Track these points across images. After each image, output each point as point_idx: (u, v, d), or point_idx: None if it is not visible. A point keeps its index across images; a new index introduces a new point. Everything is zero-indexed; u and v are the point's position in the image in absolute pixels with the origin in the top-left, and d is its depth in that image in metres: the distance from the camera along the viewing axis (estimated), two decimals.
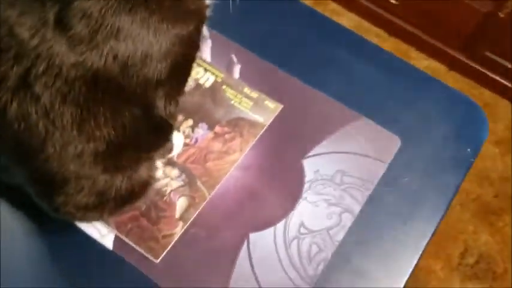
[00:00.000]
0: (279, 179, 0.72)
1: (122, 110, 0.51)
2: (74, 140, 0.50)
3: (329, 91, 0.79)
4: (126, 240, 0.66)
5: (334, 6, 1.67)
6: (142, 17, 0.47)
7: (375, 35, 1.62)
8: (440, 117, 0.79)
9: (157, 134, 0.59)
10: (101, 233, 0.67)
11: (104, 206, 0.59)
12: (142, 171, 0.60)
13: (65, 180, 0.53)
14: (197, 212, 0.69)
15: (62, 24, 0.45)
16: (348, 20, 1.64)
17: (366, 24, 1.64)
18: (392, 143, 0.76)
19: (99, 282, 0.64)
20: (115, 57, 0.46)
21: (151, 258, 0.65)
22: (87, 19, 0.45)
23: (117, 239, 0.66)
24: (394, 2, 1.55)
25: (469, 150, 0.76)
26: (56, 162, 0.51)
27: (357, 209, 0.71)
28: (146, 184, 0.62)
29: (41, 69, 0.45)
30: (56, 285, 0.63)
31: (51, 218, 0.62)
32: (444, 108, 0.79)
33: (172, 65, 0.51)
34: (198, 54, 0.80)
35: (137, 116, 0.53)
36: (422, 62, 1.58)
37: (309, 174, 0.73)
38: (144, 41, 0.47)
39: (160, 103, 0.54)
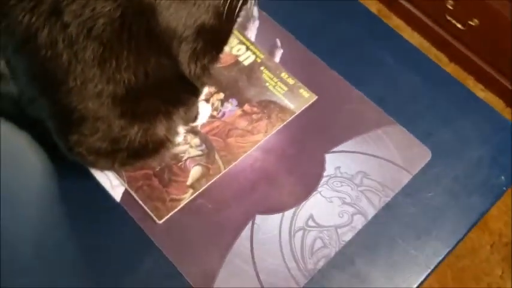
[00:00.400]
0: (297, 167, 0.71)
1: (148, 57, 0.51)
2: (94, 78, 0.50)
3: (368, 92, 0.77)
4: (135, 196, 0.66)
5: (397, 22, 1.63)
6: None
7: (435, 58, 1.57)
8: (478, 138, 0.75)
9: (182, 90, 0.59)
10: (112, 183, 0.67)
11: (115, 155, 0.59)
12: (160, 129, 0.60)
13: (82, 118, 0.54)
14: (209, 183, 0.68)
15: None
16: (409, 37, 1.59)
17: (426, 45, 1.60)
18: (423, 156, 0.73)
19: (99, 231, 0.64)
20: None
21: (154, 218, 0.65)
22: None
23: (126, 193, 0.67)
24: (461, 27, 1.50)
25: (503, 177, 0.72)
26: (76, 97, 0.52)
27: (371, 212, 0.68)
28: (161, 144, 0.62)
29: None
30: (57, 225, 0.64)
31: (67, 160, 0.63)
32: (485, 131, 0.75)
33: (198, 27, 0.51)
34: (245, 32, 0.80)
35: (164, 66, 0.53)
36: (479, 92, 1.52)
37: (329, 169, 0.71)
38: None
39: (183, 59, 0.53)
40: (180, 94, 0.59)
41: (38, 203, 0.66)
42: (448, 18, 1.51)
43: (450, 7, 1.48)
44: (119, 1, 0.46)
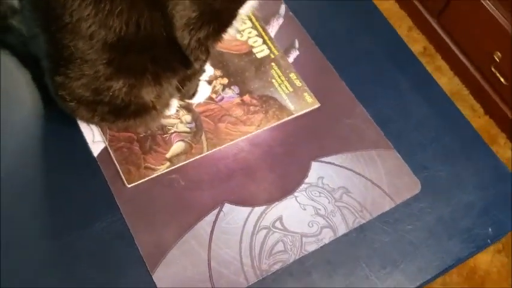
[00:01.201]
0: (280, 167, 0.69)
1: (141, 8, 0.51)
2: (88, 18, 0.51)
3: (373, 111, 0.75)
4: (112, 155, 0.66)
5: (441, 63, 1.59)
6: None
7: (470, 107, 1.53)
8: (475, 184, 0.71)
9: (173, 57, 0.59)
10: (94, 138, 0.68)
11: (96, 107, 0.60)
12: (146, 93, 0.60)
13: (70, 58, 0.54)
14: (188, 161, 0.67)
15: None
16: (448, 81, 1.56)
17: (465, 92, 1.55)
18: (411, 187, 0.70)
19: (68, 179, 0.64)
20: None
21: (125, 180, 0.65)
22: None
23: (104, 151, 0.67)
24: (504, 81, 1.45)
25: (490, 230, 0.68)
26: (69, 34, 0.52)
27: (342, 230, 0.66)
28: (145, 109, 0.62)
29: None
30: (30, 162, 0.65)
31: (56, 107, 0.64)
32: (484, 178, 0.72)
33: None
34: (267, 27, 0.79)
35: (157, 23, 0.53)
36: (507, 152, 1.46)
37: (311, 177, 0.69)
38: None
39: (178, 23, 0.53)
40: (171, 60, 0.59)
41: (18, 137, 0.66)
42: (493, 70, 1.46)
43: (497, 59, 1.44)
44: None
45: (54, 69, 0.57)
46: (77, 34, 0.52)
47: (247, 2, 0.57)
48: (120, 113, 0.61)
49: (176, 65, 0.60)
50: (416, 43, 1.63)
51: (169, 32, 0.54)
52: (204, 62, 0.63)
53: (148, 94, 0.61)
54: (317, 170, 0.69)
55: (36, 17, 0.56)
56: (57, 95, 0.59)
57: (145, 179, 0.65)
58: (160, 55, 0.57)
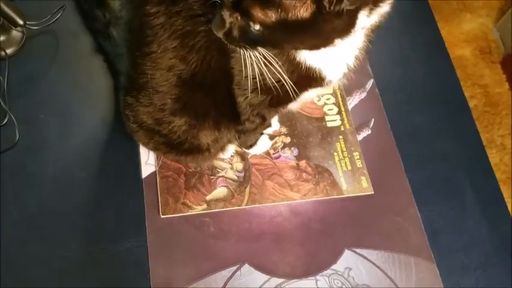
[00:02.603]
0: (312, 244, 0.68)
1: (213, 50, 0.53)
2: (172, 51, 0.53)
3: (427, 217, 0.71)
4: (158, 181, 0.69)
5: None
6: None
7: None
8: None
9: (230, 108, 0.59)
10: (148, 160, 0.70)
11: (153, 135, 0.62)
12: (204, 135, 0.62)
13: (145, 85, 0.57)
14: (224, 209, 0.68)
15: None
16: None
17: None
18: None
19: (111, 192, 0.67)
20: None
21: (160, 210, 0.67)
22: None
23: (152, 175, 0.69)
24: None
25: None
26: (151, 63, 0.55)
27: None
28: (199, 150, 0.64)
29: None
30: (80, 164, 0.69)
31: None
32: None
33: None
34: (347, 98, 0.78)
35: (224, 68, 0.54)
36: None
37: (340, 264, 0.67)
38: None
39: (235, 78, 0.54)
40: (229, 110, 0.60)
41: (81, 137, 0.71)
42: None
43: None
44: None
45: (128, 89, 0.61)
46: (157, 64, 0.55)
47: (308, 90, 0.56)
48: (173, 147, 0.63)
49: (230, 117, 0.61)
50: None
51: (231, 83, 0.55)
52: (260, 124, 0.63)
53: (206, 137, 0.62)
54: (348, 259, 0.67)
55: (127, 38, 0.60)
56: (124, 113, 0.62)
57: (179, 215, 0.67)
58: (222, 102, 0.58)
